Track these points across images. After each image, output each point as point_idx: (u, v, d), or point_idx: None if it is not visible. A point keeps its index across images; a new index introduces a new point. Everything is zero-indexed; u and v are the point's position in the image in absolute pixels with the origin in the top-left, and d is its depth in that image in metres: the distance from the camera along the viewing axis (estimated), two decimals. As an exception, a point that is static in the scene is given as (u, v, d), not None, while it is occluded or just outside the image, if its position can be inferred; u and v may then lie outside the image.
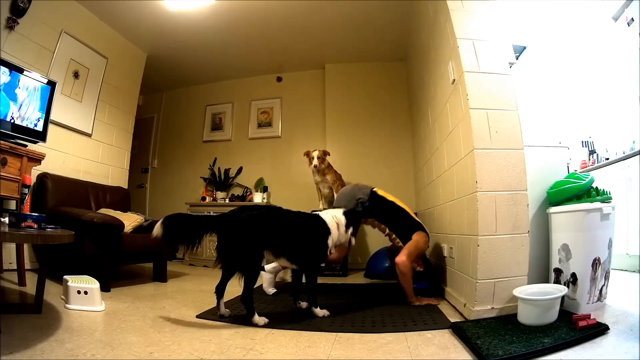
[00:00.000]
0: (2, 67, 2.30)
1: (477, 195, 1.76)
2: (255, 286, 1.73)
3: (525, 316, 1.55)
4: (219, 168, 4.81)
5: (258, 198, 4.37)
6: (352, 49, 4.26)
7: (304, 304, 2.00)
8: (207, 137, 5.07)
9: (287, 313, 1.94)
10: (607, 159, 3.31)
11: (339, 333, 1.57)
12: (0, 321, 1.41)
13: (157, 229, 1.63)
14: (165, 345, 1.37)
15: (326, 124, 4.53)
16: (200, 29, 3.78)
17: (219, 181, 4.69)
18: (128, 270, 3.25)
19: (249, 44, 4.14)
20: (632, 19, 3.15)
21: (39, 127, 2.57)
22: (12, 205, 2.34)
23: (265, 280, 2.48)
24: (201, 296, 2.34)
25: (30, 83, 2.50)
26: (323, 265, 3.16)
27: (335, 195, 3.52)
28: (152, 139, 5.29)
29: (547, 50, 2.84)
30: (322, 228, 1.94)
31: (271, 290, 2.45)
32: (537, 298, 1.54)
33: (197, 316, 1.82)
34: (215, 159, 4.89)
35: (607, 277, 1.71)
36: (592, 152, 3.66)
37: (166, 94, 5.42)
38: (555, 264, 1.82)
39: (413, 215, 2.39)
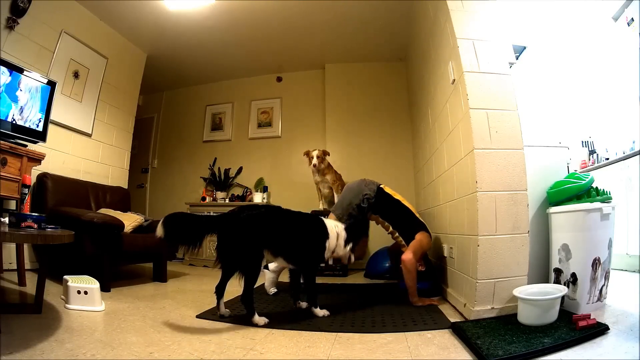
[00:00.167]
0: (3, 67, 2.30)
1: (477, 195, 1.76)
2: (256, 285, 1.73)
3: (525, 316, 1.55)
4: (219, 168, 4.81)
5: (258, 198, 4.37)
6: (352, 49, 4.26)
7: (304, 304, 2.00)
8: (207, 137, 5.07)
9: (287, 313, 1.94)
10: (607, 159, 3.31)
11: (339, 333, 1.57)
12: (0, 321, 1.41)
13: (159, 230, 1.62)
14: (165, 345, 1.37)
15: (326, 124, 4.53)
16: (200, 29, 3.78)
17: (219, 181, 4.69)
18: (128, 270, 3.25)
19: (249, 44, 4.15)
20: (632, 19, 3.14)
21: (39, 127, 2.57)
22: (12, 205, 2.34)
23: (268, 279, 2.47)
24: (201, 296, 2.34)
25: (31, 83, 2.50)
26: (323, 265, 3.17)
27: (335, 195, 3.53)
28: (152, 139, 5.29)
29: (547, 50, 2.84)
30: (321, 230, 1.95)
31: (272, 290, 2.45)
32: (537, 298, 1.54)
33: (197, 316, 1.82)
34: (215, 159, 4.89)
35: (607, 277, 1.71)
36: (592, 152, 3.65)
37: (166, 94, 5.43)
38: (555, 264, 1.82)
39: (417, 214, 2.39)
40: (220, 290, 1.80)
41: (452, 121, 2.20)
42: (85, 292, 1.83)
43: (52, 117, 2.76)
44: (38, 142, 2.58)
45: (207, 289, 2.59)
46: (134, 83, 4.14)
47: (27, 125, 2.47)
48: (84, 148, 3.37)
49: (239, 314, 1.80)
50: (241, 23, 3.71)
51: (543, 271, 1.92)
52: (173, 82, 5.19)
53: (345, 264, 2.21)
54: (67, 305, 1.82)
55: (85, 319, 1.68)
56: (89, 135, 3.44)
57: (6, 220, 1.75)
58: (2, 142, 2.16)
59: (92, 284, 1.88)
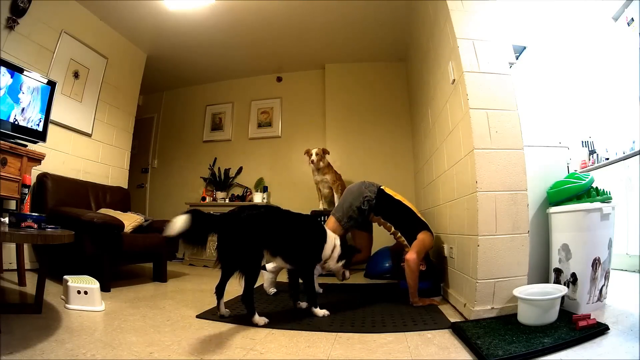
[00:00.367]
0: (3, 68, 2.30)
1: (477, 195, 1.76)
2: (255, 286, 1.73)
3: (525, 316, 1.55)
4: (219, 168, 4.81)
5: (258, 198, 4.37)
6: (352, 49, 4.26)
7: (304, 304, 2.00)
8: (207, 137, 5.07)
9: (287, 313, 1.94)
10: (607, 159, 3.31)
11: (339, 333, 1.57)
12: (0, 321, 1.41)
13: (182, 221, 1.54)
14: (165, 345, 1.37)
15: (326, 124, 4.53)
16: (200, 29, 3.78)
17: (219, 181, 4.69)
18: (128, 270, 3.25)
19: (249, 43, 4.14)
20: (632, 19, 3.14)
21: (39, 127, 2.57)
22: (12, 205, 2.34)
23: (266, 279, 2.47)
24: (201, 296, 2.34)
25: (31, 84, 2.50)
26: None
27: (335, 195, 3.53)
28: (152, 139, 5.28)
29: (547, 50, 2.84)
30: (320, 231, 1.96)
31: (272, 290, 2.45)
32: (537, 298, 1.54)
33: (197, 316, 1.82)
34: (215, 159, 4.89)
35: (607, 277, 1.71)
36: (592, 152, 3.65)
37: (166, 94, 5.42)
38: (555, 264, 1.82)
39: (419, 214, 2.39)
40: (220, 290, 1.80)
41: (452, 121, 2.20)
42: (85, 292, 1.84)
43: (52, 117, 2.76)
44: (38, 142, 2.58)
45: (207, 288, 2.59)
46: (134, 83, 4.14)
47: (27, 125, 2.47)
48: (84, 148, 3.37)
49: (239, 314, 1.80)
50: (241, 23, 3.71)
51: (543, 271, 1.92)
52: (173, 82, 5.19)
53: (340, 280, 2.22)
54: (67, 305, 1.82)
55: (85, 319, 1.68)
56: (89, 135, 3.44)
57: (6, 220, 1.75)
58: (2, 142, 2.16)
59: (92, 284, 1.88)
